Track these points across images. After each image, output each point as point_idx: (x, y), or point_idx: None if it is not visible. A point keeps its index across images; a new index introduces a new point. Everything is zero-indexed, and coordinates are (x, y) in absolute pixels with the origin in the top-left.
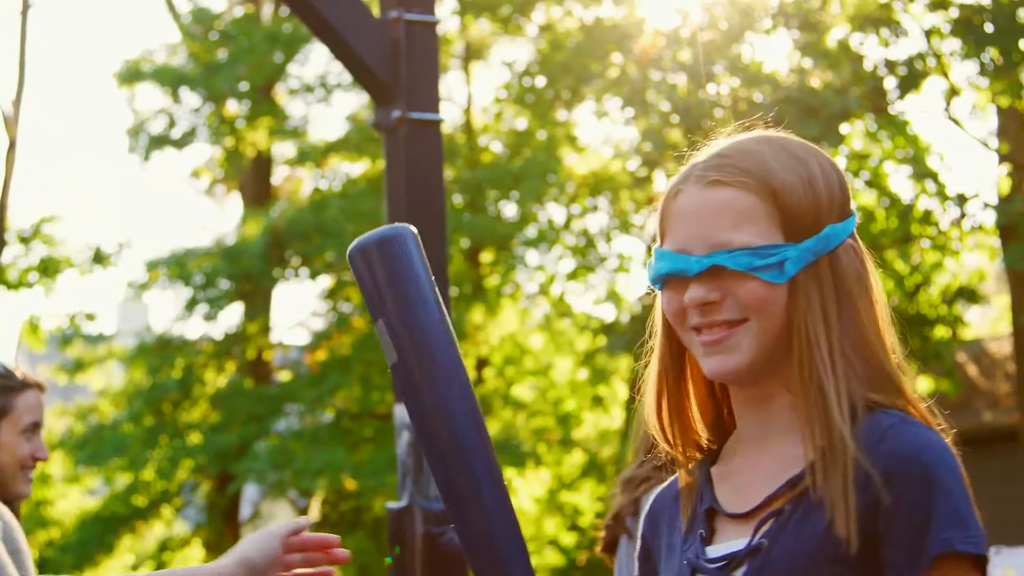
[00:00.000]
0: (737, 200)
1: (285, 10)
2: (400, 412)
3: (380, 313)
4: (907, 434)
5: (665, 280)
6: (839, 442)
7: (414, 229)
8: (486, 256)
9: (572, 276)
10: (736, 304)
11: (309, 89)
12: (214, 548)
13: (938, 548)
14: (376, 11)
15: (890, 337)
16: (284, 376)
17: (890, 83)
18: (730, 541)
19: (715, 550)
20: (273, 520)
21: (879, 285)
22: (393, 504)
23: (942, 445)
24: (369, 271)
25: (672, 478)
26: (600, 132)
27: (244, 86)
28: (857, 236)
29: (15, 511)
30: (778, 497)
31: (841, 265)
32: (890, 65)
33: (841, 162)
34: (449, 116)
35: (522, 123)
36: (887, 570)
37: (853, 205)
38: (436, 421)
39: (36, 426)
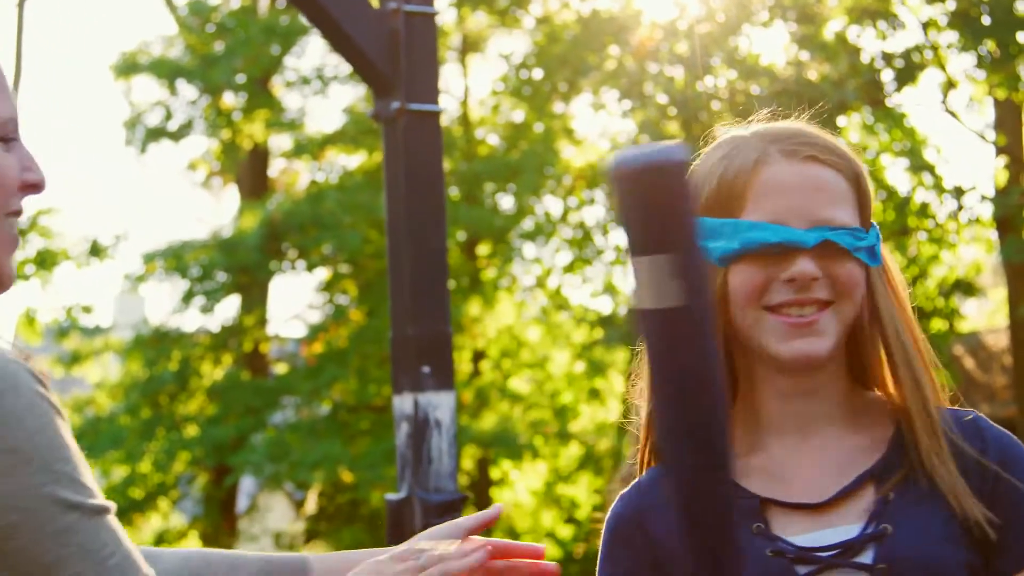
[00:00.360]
0: (834, 179)
1: (282, 2)
2: (400, 403)
3: (666, 247)
4: (996, 427)
5: (760, 251)
6: (944, 431)
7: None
8: (483, 249)
9: (569, 269)
10: (829, 285)
11: (306, 81)
12: (211, 540)
13: None
14: (375, 2)
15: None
16: (281, 368)
17: (887, 75)
18: (818, 532)
19: (808, 539)
20: (269, 513)
21: None
22: (392, 496)
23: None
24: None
25: (638, 481)
26: (597, 125)
27: (241, 78)
28: None
29: None
30: (863, 485)
31: (888, 259)
32: (887, 57)
33: None
34: (446, 109)
35: (519, 116)
36: (1006, 552)
37: None
38: (703, 376)
39: None
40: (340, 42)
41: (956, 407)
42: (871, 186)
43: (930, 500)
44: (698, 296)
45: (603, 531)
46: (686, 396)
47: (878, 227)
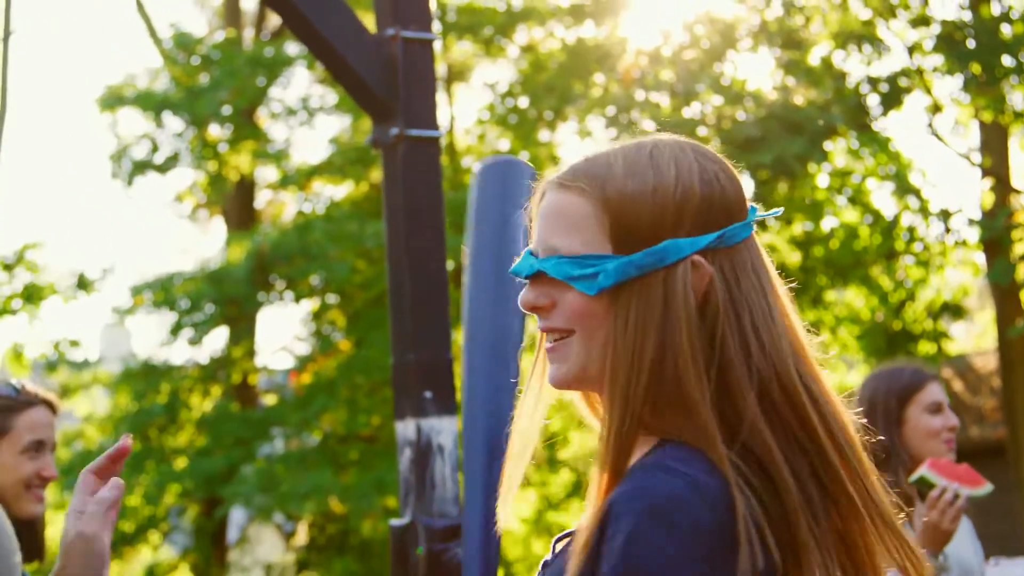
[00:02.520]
0: (572, 206)
1: (267, 34)
2: (402, 429)
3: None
4: (637, 478)
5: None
6: (596, 471)
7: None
8: None
9: None
10: (562, 313)
11: (291, 112)
12: (201, 573)
13: None
14: (373, 29)
15: (743, 372)
16: (270, 400)
17: (872, 100)
18: None
19: None
20: (260, 544)
21: (753, 314)
22: (396, 521)
23: (656, 495)
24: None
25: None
26: (583, 152)
27: (227, 110)
28: (731, 256)
29: (34, 531)
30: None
31: (673, 283)
32: (872, 82)
33: (824, 179)
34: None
35: (505, 144)
36: None
37: (738, 225)
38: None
39: (40, 444)
40: (338, 69)
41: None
42: (655, 203)
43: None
44: None
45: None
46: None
47: (668, 247)
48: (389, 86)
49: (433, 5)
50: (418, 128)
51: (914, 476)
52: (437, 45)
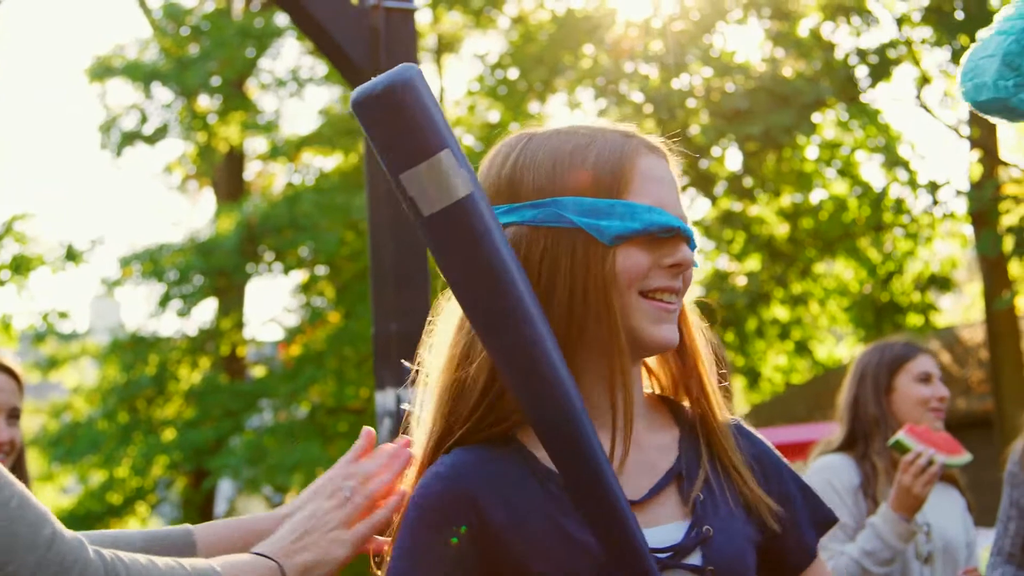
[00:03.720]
0: (678, 176)
1: (256, 4)
2: (382, 399)
3: (441, 145)
4: (753, 431)
5: (658, 235)
6: (729, 435)
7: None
8: None
9: None
10: (690, 277)
11: (281, 83)
12: None
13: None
14: None
15: None
16: (258, 371)
17: (861, 72)
18: (644, 529)
19: (651, 534)
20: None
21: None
22: None
23: None
24: (415, 103)
25: (456, 460)
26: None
27: (216, 81)
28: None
29: None
30: (670, 483)
31: None
32: (861, 54)
33: (813, 151)
34: None
35: (495, 116)
36: (787, 546)
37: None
38: (504, 259)
39: None
40: (320, 39)
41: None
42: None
43: (731, 501)
44: (477, 182)
45: (412, 515)
46: (498, 282)
47: None
48: (371, 56)
49: None
50: None
51: (891, 440)
52: (425, 16)
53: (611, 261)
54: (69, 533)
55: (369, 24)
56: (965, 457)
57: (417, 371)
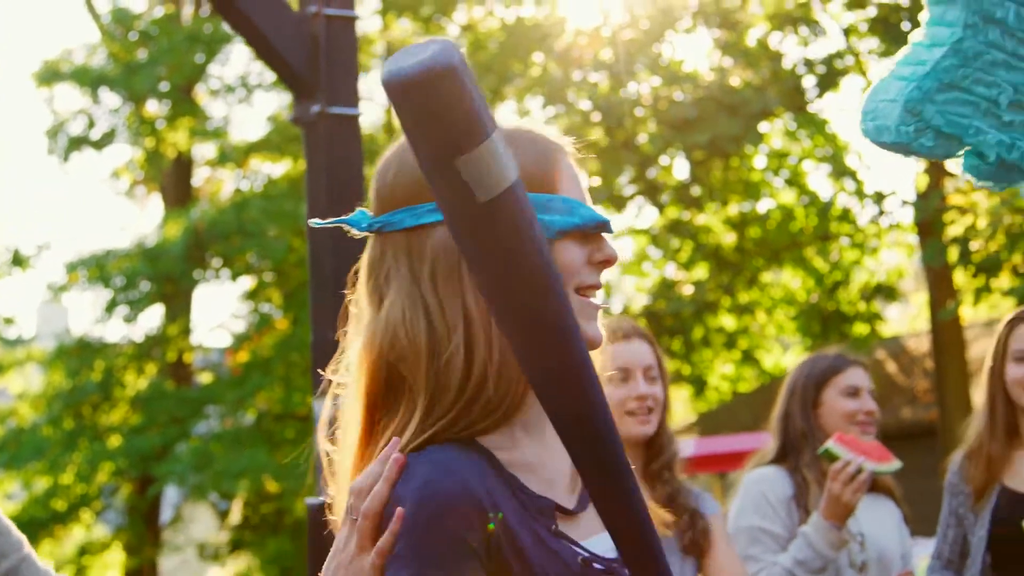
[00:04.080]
0: None
1: (205, 10)
2: (319, 407)
3: (493, 125)
4: None
5: (594, 230)
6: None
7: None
8: None
9: None
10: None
11: (230, 89)
12: (134, 551)
13: None
14: (295, 6)
15: None
16: (205, 378)
17: (809, 82)
18: (591, 538)
19: (590, 545)
20: (193, 523)
21: None
22: (312, 500)
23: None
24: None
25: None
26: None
27: (164, 86)
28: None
29: None
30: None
31: None
32: (809, 64)
33: (761, 161)
34: (371, 115)
35: None
36: None
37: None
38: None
39: None
40: (260, 46)
41: None
42: None
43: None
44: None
45: (417, 517)
46: (544, 269)
47: None
48: (310, 63)
49: None
50: (339, 106)
51: (821, 449)
52: (374, 23)
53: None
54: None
55: (310, 32)
56: (895, 464)
57: (330, 381)
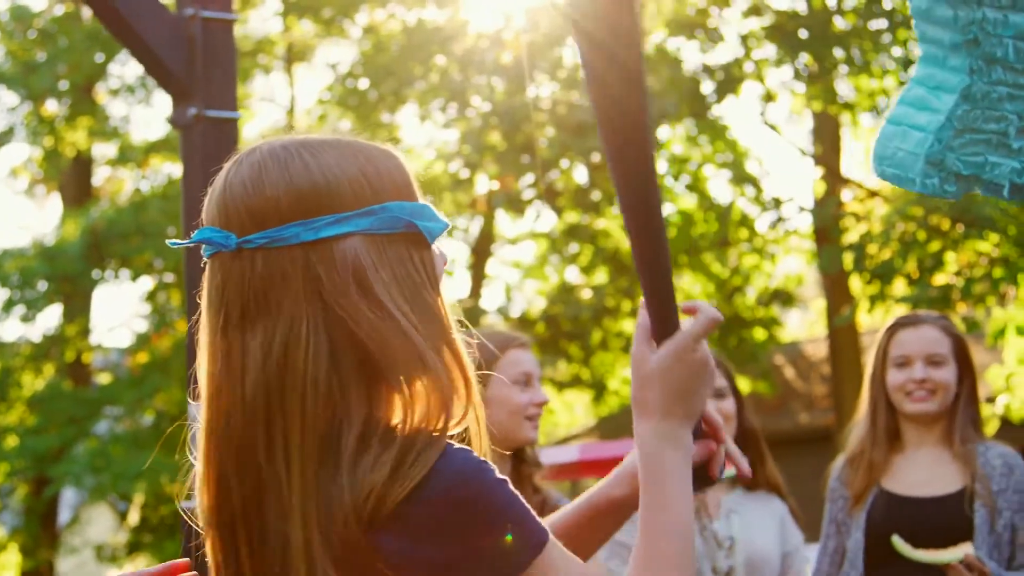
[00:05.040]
0: None
1: (86, 12)
2: (193, 409)
3: None
4: None
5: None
6: None
7: None
8: None
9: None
10: None
11: (130, 89)
12: (31, 553)
13: None
14: (172, 7)
15: None
16: (104, 378)
17: (708, 88)
18: None
19: None
20: (91, 524)
21: None
22: (187, 503)
23: None
24: None
25: None
26: (423, 134)
27: (64, 85)
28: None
29: None
30: None
31: None
32: (708, 70)
33: (662, 166)
34: (272, 117)
35: (346, 125)
36: None
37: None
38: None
39: None
40: (136, 47)
41: None
42: None
43: None
44: None
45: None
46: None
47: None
48: (187, 66)
49: None
50: (217, 109)
51: None
52: (275, 24)
53: (432, 263)
54: None
55: (186, 34)
56: (731, 471)
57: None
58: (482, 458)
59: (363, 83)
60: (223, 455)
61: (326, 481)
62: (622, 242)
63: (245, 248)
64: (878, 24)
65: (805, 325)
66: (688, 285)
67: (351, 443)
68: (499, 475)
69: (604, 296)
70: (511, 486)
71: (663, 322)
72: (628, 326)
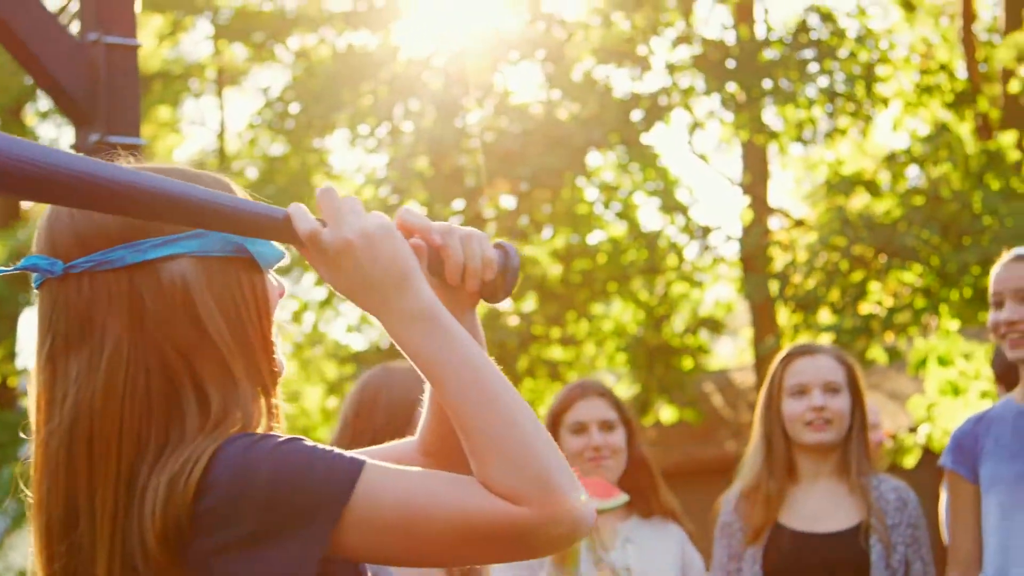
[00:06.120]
0: None
1: None
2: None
3: None
4: None
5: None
6: None
7: None
8: None
9: (325, 304)
10: None
11: (59, 112)
12: None
13: None
14: (75, 33)
15: None
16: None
17: (637, 116)
18: None
19: None
20: (14, 551)
21: None
22: None
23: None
24: None
25: None
26: (353, 159)
27: None
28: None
29: None
30: None
31: None
32: (636, 98)
33: (592, 193)
34: (202, 141)
35: (277, 149)
36: None
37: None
38: None
39: None
40: (37, 73)
41: None
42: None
43: None
44: None
45: None
46: None
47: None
48: (90, 92)
49: (207, 8)
50: (119, 135)
51: None
52: (206, 48)
53: (264, 288)
54: None
55: (89, 59)
56: (618, 500)
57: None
58: (265, 432)
59: (294, 107)
60: (46, 483)
61: (128, 509)
62: (550, 269)
63: (72, 273)
64: (805, 54)
65: (734, 353)
66: (617, 313)
67: (152, 467)
68: (286, 437)
69: (531, 323)
70: (304, 441)
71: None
72: (556, 353)
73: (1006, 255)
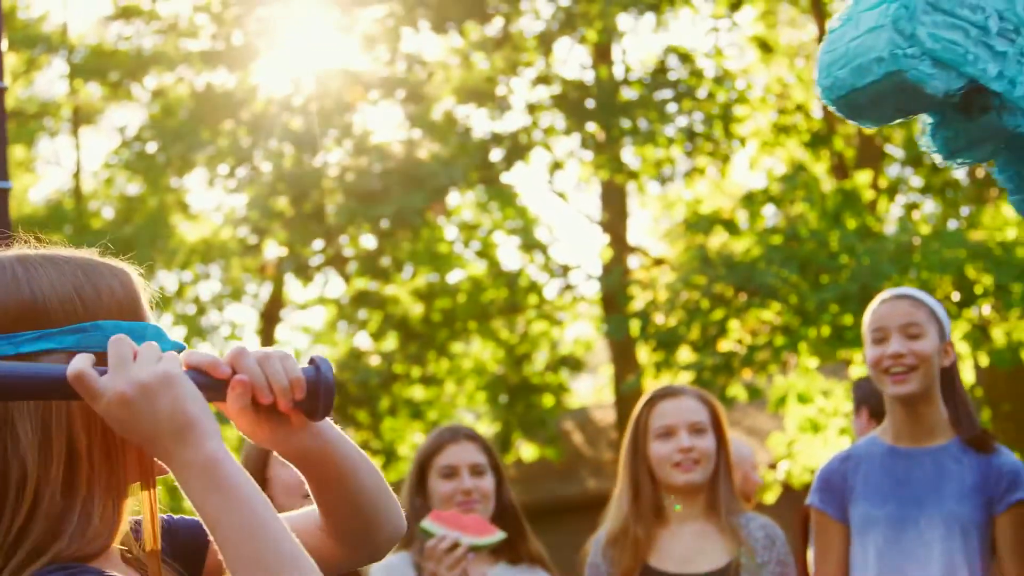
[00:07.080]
0: None
1: None
2: None
3: None
4: None
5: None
6: None
7: None
8: None
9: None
10: None
11: None
12: None
13: None
14: None
15: None
16: None
17: (497, 155)
18: None
19: None
20: None
21: None
22: None
23: None
24: None
25: None
26: (211, 199)
27: None
28: None
29: None
30: None
31: None
32: (497, 138)
33: (452, 232)
34: (57, 181)
35: (134, 189)
36: None
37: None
38: None
39: None
40: None
41: None
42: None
43: None
44: None
45: None
46: None
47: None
48: None
49: (62, 47)
50: None
51: (418, 527)
52: (61, 87)
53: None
54: None
55: None
56: (496, 536)
57: None
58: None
59: (151, 147)
60: None
61: None
62: (411, 308)
63: None
64: (663, 94)
65: (594, 391)
66: (477, 351)
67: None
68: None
69: (393, 362)
70: None
71: None
72: (417, 392)
73: (883, 294)
